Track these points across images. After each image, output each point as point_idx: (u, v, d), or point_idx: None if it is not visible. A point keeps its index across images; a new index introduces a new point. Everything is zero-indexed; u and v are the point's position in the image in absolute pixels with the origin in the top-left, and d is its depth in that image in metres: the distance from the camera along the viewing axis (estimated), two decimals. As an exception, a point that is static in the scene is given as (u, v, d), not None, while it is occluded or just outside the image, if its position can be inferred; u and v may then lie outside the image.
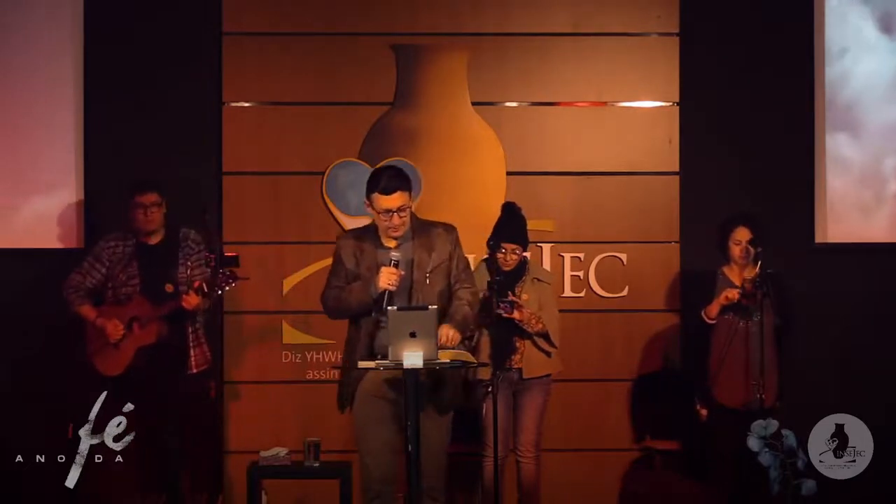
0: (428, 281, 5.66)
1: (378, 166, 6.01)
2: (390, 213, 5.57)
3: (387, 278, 5.51)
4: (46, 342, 7.29)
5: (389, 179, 5.57)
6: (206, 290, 6.63)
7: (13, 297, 7.35)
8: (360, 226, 5.97)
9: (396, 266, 5.53)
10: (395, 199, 5.55)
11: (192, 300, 6.64)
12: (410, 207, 5.66)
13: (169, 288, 6.71)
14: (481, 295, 6.21)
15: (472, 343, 6.47)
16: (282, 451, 6.72)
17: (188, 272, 6.79)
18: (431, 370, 5.50)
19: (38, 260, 7.40)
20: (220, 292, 6.70)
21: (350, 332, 5.76)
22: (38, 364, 7.29)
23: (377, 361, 5.45)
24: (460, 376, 5.87)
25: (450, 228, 5.80)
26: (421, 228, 5.72)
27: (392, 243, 5.65)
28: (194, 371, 6.83)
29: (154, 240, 6.89)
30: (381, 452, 5.67)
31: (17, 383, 7.28)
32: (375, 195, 5.58)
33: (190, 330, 6.81)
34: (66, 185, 7.48)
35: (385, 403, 5.66)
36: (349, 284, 5.68)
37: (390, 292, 5.50)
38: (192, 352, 6.81)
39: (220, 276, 6.65)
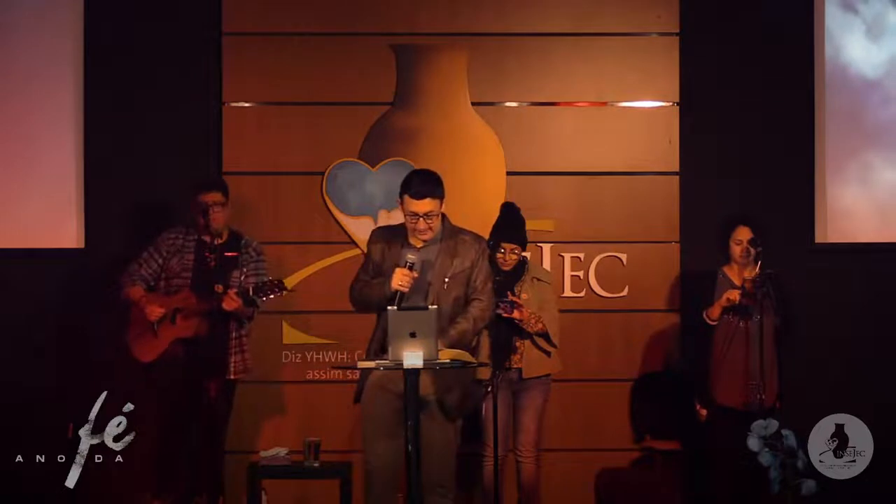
0: (446, 286, 5.72)
1: (416, 168, 6.06)
2: (417, 217, 5.67)
3: (399, 279, 5.58)
4: (47, 342, 7.30)
5: (421, 184, 5.68)
6: (251, 294, 6.62)
7: (14, 296, 7.35)
8: (397, 223, 5.99)
9: (411, 268, 5.60)
10: (423, 205, 5.65)
11: (232, 302, 6.63)
12: (440, 214, 5.72)
13: (218, 288, 6.67)
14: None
15: (471, 343, 6.48)
16: (282, 451, 6.72)
17: (242, 279, 6.79)
18: (441, 375, 5.58)
19: (38, 260, 7.39)
20: (264, 299, 6.69)
21: (375, 325, 5.84)
22: (39, 364, 7.29)
23: (377, 361, 5.47)
24: (468, 382, 5.91)
25: (478, 238, 5.89)
26: (449, 235, 5.80)
27: (419, 244, 5.74)
28: (232, 377, 6.83)
29: (216, 240, 6.85)
30: (385, 450, 5.72)
31: (17, 383, 7.28)
32: (406, 197, 5.69)
33: (234, 335, 6.81)
34: (67, 184, 7.47)
35: (393, 397, 5.69)
36: (373, 279, 5.77)
37: (402, 293, 5.57)
38: (232, 357, 6.80)
39: (269, 283, 6.65)
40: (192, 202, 6.81)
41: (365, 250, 6.14)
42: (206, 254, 6.72)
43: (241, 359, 6.86)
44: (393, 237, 5.84)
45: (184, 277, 6.79)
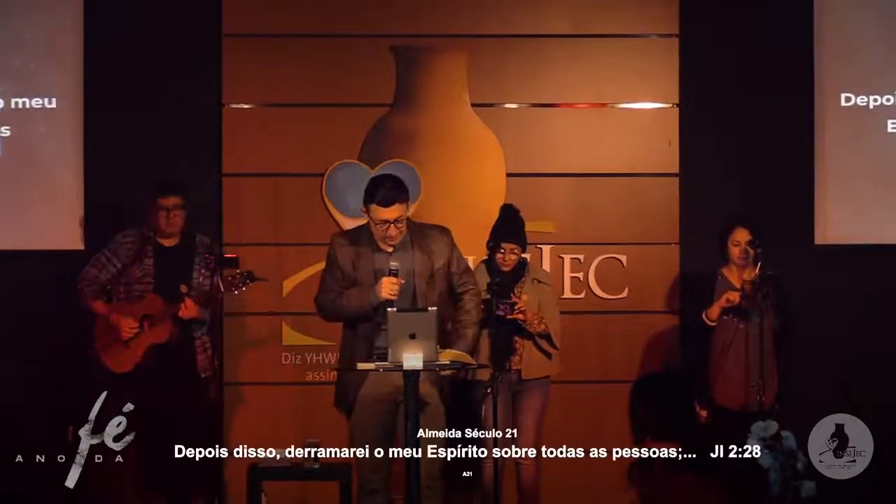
0: (428, 284, 5.72)
1: (376, 174, 6.02)
2: (387, 224, 5.62)
3: (388, 289, 5.55)
4: (47, 343, 7.30)
5: (388, 191, 5.61)
6: (222, 290, 6.61)
7: (14, 297, 7.36)
8: (355, 226, 5.98)
9: (396, 275, 5.57)
10: (392, 211, 5.60)
11: (188, 311, 6.65)
12: (407, 217, 5.69)
13: (184, 288, 6.69)
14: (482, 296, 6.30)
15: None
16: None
17: (200, 279, 6.79)
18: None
19: (39, 261, 7.40)
20: (236, 292, 6.68)
21: (346, 335, 5.83)
22: (40, 365, 7.29)
23: (376, 363, 5.48)
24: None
25: (444, 230, 5.87)
26: (417, 233, 5.77)
27: (388, 248, 5.70)
28: (202, 376, 6.84)
29: (170, 242, 6.87)
30: (382, 460, 5.75)
31: (17, 383, 7.28)
32: (373, 206, 5.62)
33: (196, 335, 6.81)
34: (68, 186, 7.47)
35: (383, 405, 5.74)
36: (346, 290, 5.72)
37: (391, 301, 5.54)
38: (198, 356, 6.81)
39: (237, 276, 6.63)
40: (150, 205, 6.81)
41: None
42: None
43: (205, 357, 6.83)
44: (359, 242, 5.75)
45: (145, 283, 6.78)
